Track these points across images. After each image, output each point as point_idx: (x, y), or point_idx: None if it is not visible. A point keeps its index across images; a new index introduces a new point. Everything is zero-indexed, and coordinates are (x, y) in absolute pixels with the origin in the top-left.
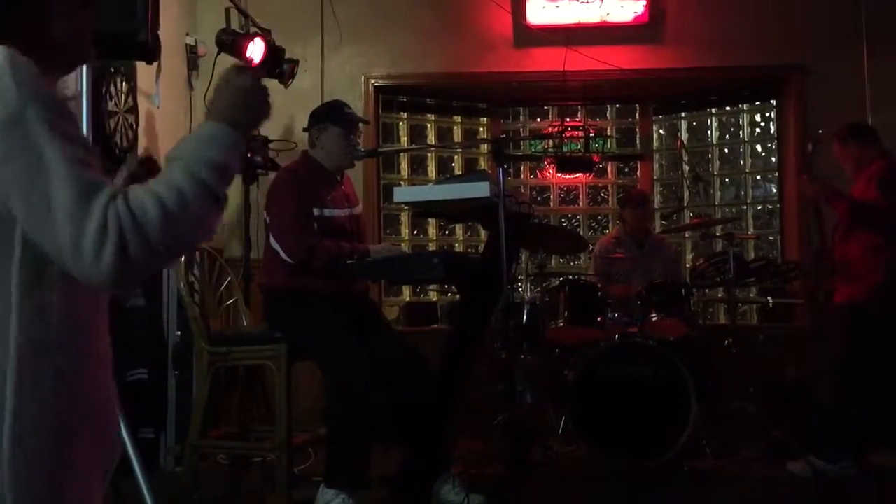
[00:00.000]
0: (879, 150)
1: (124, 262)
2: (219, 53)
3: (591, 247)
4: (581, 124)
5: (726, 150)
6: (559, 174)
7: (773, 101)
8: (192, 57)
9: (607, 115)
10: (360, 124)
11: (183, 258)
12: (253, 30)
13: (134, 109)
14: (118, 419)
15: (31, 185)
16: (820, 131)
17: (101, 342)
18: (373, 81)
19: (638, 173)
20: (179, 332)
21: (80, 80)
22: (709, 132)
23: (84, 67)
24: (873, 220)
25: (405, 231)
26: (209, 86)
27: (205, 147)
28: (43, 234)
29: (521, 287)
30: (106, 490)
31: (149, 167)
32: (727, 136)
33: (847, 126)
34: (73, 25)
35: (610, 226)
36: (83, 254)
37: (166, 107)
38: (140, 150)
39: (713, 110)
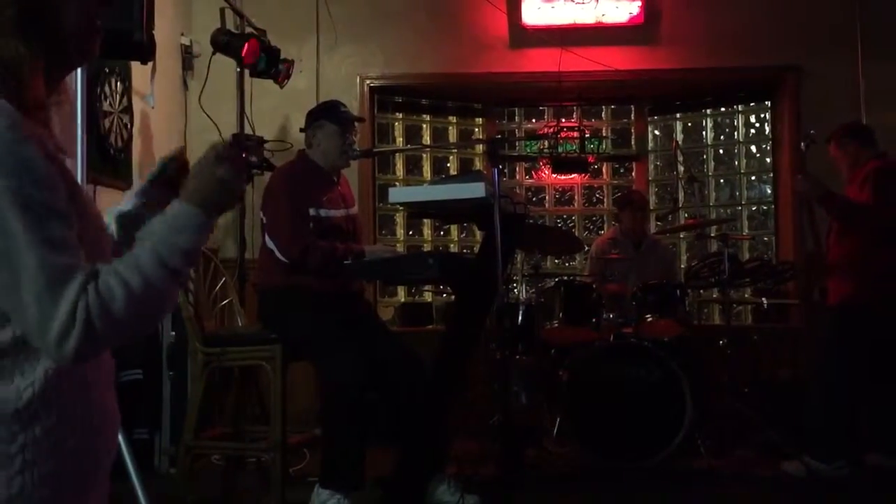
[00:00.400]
0: (875, 151)
1: (87, 346)
2: (214, 53)
3: (586, 247)
4: (576, 125)
5: (721, 151)
6: (554, 175)
7: (768, 102)
8: (188, 57)
9: (602, 115)
10: (356, 123)
11: None
12: (248, 30)
13: (129, 110)
14: (118, 425)
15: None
16: (811, 131)
17: (104, 371)
18: (368, 82)
19: (633, 174)
20: (174, 333)
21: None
22: (704, 133)
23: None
24: (861, 222)
25: (400, 231)
26: (204, 86)
27: (176, 233)
28: (10, 308)
29: (516, 287)
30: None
31: (180, 163)
32: (722, 137)
33: (844, 126)
34: (81, 15)
35: (605, 226)
36: (48, 337)
37: (161, 107)
38: (136, 150)
39: (708, 111)
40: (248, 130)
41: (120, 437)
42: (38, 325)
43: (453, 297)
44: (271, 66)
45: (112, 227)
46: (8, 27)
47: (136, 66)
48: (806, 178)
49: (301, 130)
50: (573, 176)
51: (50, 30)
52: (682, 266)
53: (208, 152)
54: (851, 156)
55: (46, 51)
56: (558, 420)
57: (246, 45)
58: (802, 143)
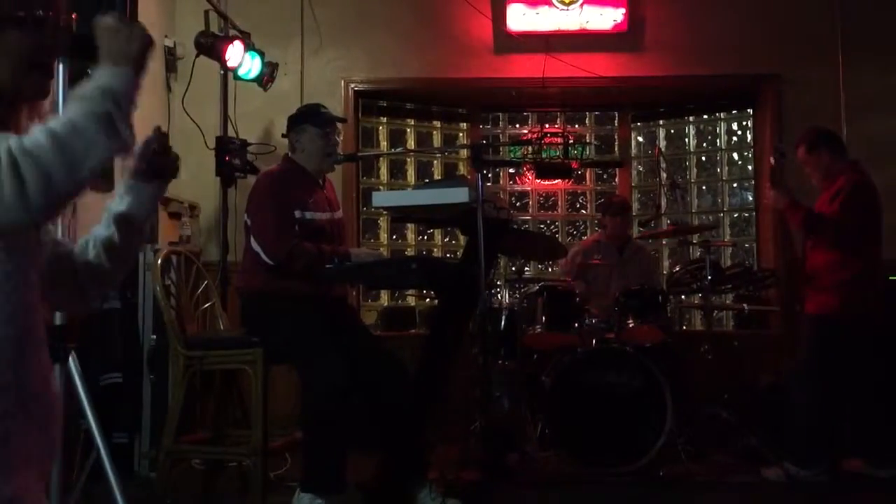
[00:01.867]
0: (847, 161)
1: (24, 194)
2: (197, 56)
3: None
4: (560, 131)
5: (703, 158)
6: (538, 180)
7: (750, 110)
8: (171, 59)
9: (586, 121)
10: (339, 125)
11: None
12: (232, 32)
13: None
14: (60, 414)
15: None
16: (781, 144)
17: (38, 328)
18: (352, 85)
19: (616, 180)
20: (155, 336)
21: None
22: (686, 140)
23: (60, 69)
24: (826, 233)
25: (384, 236)
26: (187, 88)
27: (93, 79)
28: None
29: (498, 292)
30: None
31: (160, 145)
32: (704, 144)
33: (815, 132)
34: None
35: (588, 232)
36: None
37: (144, 109)
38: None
39: (691, 118)
40: (231, 133)
41: (99, 441)
42: None
43: (436, 301)
44: (255, 68)
45: (112, 231)
46: None
47: None
48: (776, 188)
49: (283, 136)
50: (557, 181)
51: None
52: (665, 272)
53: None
54: (824, 164)
55: None
56: (540, 425)
57: (230, 47)
58: (772, 158)
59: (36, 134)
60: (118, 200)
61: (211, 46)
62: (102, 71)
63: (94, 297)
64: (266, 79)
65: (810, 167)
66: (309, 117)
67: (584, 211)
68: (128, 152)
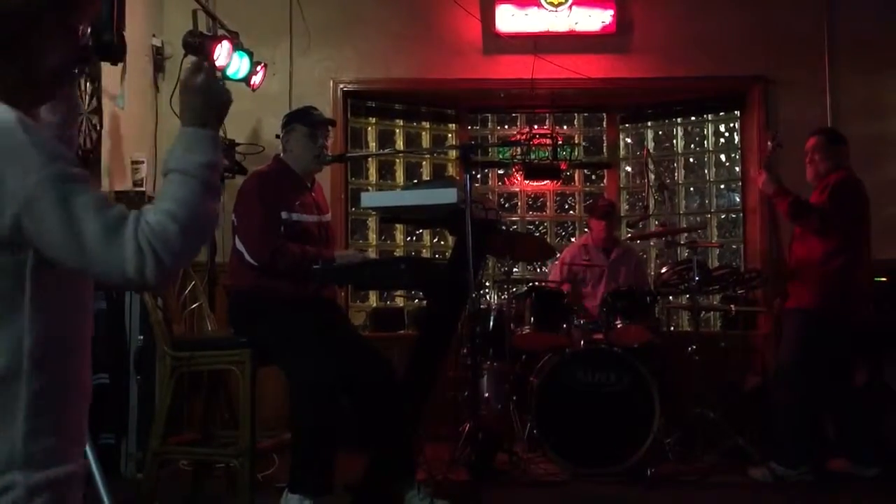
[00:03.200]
0: (842, 162)
1: (162, 273)
2: (185, 55)
3: (557, 254)
4: (549, 132)
5: (691, 160)
6: (527, 181)
7: (737, 112)
8: (159, 58)
9: (575, 123)
10: (329, 127)
11: None
12: (220, 32)
13: (98, 111)
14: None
15: (65, 232)
16: (777, 133)
17: (84, 368)
18: (341, 86)
19: (604, 181)
20: (142, 337)
21: None
22: (674, 141)
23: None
24: (811, 221)
25: (373, 236)
26: (175, 87)
27: (192, 152)
28: (84, 267)
29: (487, 293)
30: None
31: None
32: (692, 146)
33: (833, 129)
34: (55, 60)
35: (577, 233)
36: (129, 276)
37: (131, 108)
38: (105, 152)
39: (678, 120)
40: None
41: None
42: (115, 271)
43: (425, 302)
44: (243, 68)
45: None
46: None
47: (106, 66)
48: (766, 171)
49: (277, 136)
50: (545, 182)
51: (26, 69)
52: (652, 273)
53: (184, 74)
54: (831, 159)
55: (21, 87)
56: (529, 426)
57: (218, 47)
58: (769, 142)
59: (160, 218)
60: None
61: (199, 46)
62: (194, 137)
63: None
64: (254, 79)
65: (822, 155)
66: (298, 119)
67: (572, 212)
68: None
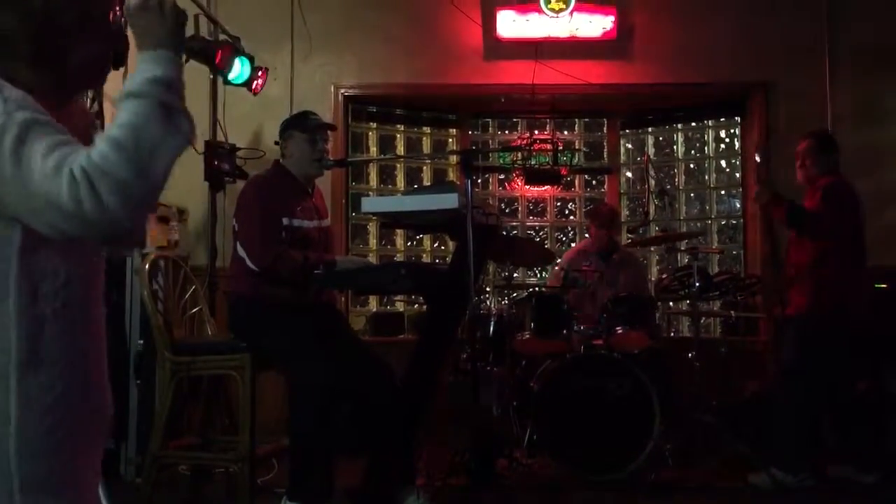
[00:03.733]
0: (833, 168)
1: (100, 204)
2: (187, 61)
3: (558, 259)
4: (549, 137)
5: (692, 165)
6: (527, 186)
7: (738, 118)
8: None
9: (575, 128)
10: (329, 132)
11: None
12: (222, 37)
13: (100, 114)
14: (110, 397)
15: (14, 173)
16: (767, 145)
17: (97, 336)
18: (342, 91)
19: (605, 187)
20: (142, 341)
21: None
22: (675, 147)
23: None
24: (808, 227)
25: (373, 241)
26: None
27: (139, 72)
28: (36, 215)
29: (487, 298)
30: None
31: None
32: (692, 152)
33: (825, 133)
34: (89, 53)
35: (577, 238)
36: (65, 206)
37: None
38: None
39: (679, 126)
40: (220, 138)
41: None
42: (52, 206)
43: (425, 307)
44: (245, 73)
45: None
46: (24, 55)
47: None
48: (759, 183)
49: (276, 143)
50: (546, 188)
51: (60, 63)
52: (652, 279)
53: (125, 8)
54: (824, 164)
55: (55, 80)
56: (529, 431)
57: (220, 52)
58: (757, 155)
59: (100, 146)
60: None
61: (200, 51)
62: (145, 59)
63: None
64: (256, 84)
65: (812, 160)
66: (297, 123)
67: (573, 217)
68: (191, 141)
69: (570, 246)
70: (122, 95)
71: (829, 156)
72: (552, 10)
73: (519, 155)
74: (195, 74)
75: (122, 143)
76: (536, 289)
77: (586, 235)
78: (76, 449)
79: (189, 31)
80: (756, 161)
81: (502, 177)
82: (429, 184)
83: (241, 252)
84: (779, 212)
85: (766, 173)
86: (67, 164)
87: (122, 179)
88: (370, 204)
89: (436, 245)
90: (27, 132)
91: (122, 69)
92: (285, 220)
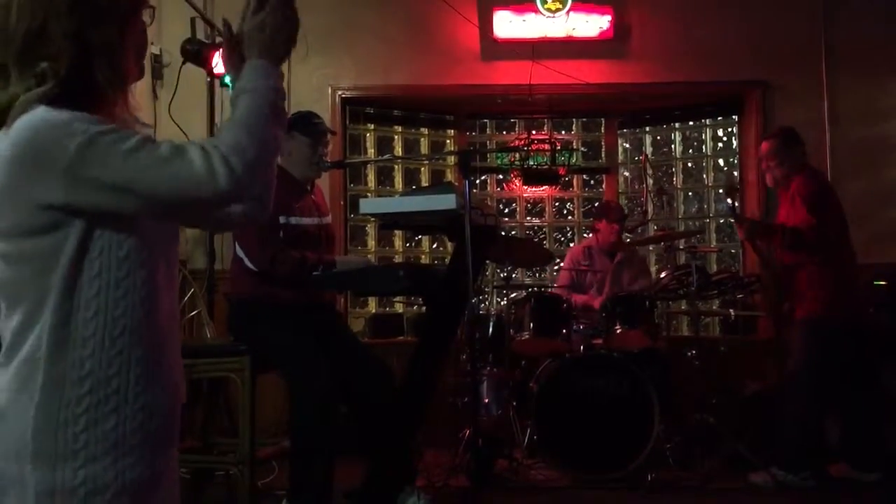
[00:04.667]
0: (804, 163)
1: (233, 175)
2: (184, 63)
3: (556, 259)
4: (547, 137)
5: (689, 165)
6: (525, 186)
7: (735, 117)
8: (157, 66)
9: (573, 128)
10: (329, 135)
11: None
12: (218, 39)
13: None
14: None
15: (125, 166)
16: (735, 181)
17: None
18: (340, 93)
19: (603, 186)
20: None
21: None
22: (672, 146)
23: None
24: (809, 242)
25: (372, 243)
26: (174, 95)
27: (262, 77)
28: (157, 191)
29: (486, 299)
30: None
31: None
32: (690, 151)
33: (791, 130)
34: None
35: (576, 238)
36: (200, 176)
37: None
38: None
39: (677, 125)
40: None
41: None
42: (183, 179)
43: (424, 308)
44: None
45: None
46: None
47: None
48: (742, 225)
49: None
50: (544, 188)
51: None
52: (651, 278)
53: (251, 8)
54: (791, 161)
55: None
56: (528, 431)
57: (216, 54)
58: (729, 200)
59: (229, 131)
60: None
61: (197, 53)
62: (271, 68)
63: None
64: None
65: (777, 161)
66: (300, 126)
67: (571, 217)
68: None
69: (568, 246)
70: (242, 88)
71: (795, 149)
72: (549, 10)
73: (517, 155)
74: (193, 78)
75: (253, 128)
76: (535, 289)
77: (586, 234)
78: (108, 426)
79: (186, 33)
80: (729, 204)
81: (500, 177)
82: (427, 185)
83: (240, 252)
84: (776, 240)
85: (743, 211)
86: (191, 147)
87: (252, 158)
88: (368, 205)
89: (434, 246)
90: (114, 136)
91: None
92: (282, 219)
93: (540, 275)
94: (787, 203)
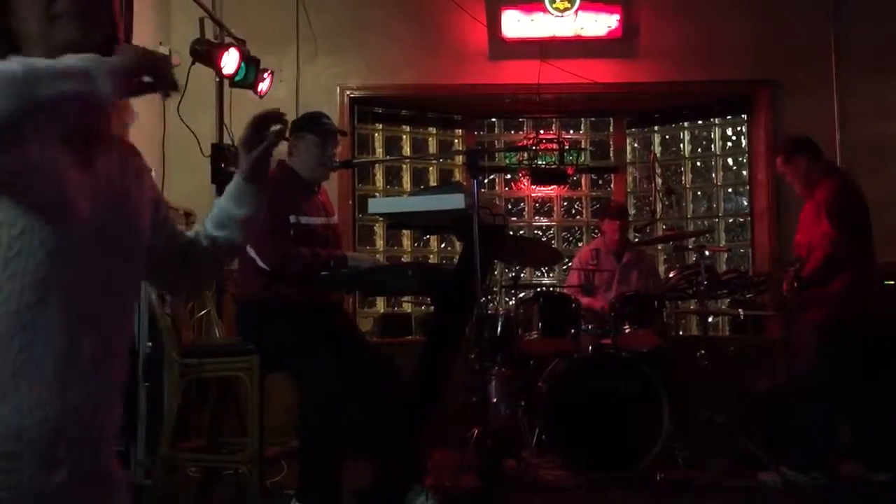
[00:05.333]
0: (825, 167)
1: None
2: (193, 63)
3: (565, 259)
4: (555, 137)
5: (698, 164)
6: (533, 186)
7: (745, 116)
8: None
9: (581, 127)
10: (338, 136)
11: None
12: (227, 39)
13: None
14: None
15: None
16: (794, 266)
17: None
18: (348, 92)
19: (612, 186)
20: (150, 343)
21: None
22: (681, 145)
23: None
24: (842, 263)
25: (380, 242)
26: (182, 95)
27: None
28: None
29: (495, 299)
30: None
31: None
32: (699, 150)
33: (791, 141)
34: None
35: (584, 238)
36: None
37: (138, 117)
38: None
39: (685, 124)
40: (226, 141)
41: None
42: None
43: (432, 308)
44: (250, 75)
45: (234, 233)
46: None
47: None
48: (791, 293)
49: (285, 139)
50: (552, 187)
51: None
52: (660, 277)
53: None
54: (801, 171)
55: None
56: (537, 431)
57: (225, 54)
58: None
59: None
60: (235, 204)
61: (206, 54)
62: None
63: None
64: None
65: (790, 176)
66: (310, 126)
67: (579, 217)
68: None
69: (577, 246)
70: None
71: (804, 159)
72: (557, 9)
73: (525, 155)
74: (201, 78)
75: None
76: (544, 288)
77: (594, 234)
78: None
79: (195, 33)
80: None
81: (508, 177)
82: (435, 184)
83: (252, 252)
84: (817, 286)
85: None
86: None
87: None
88: (377, 205)
89: (443, 246)
90: None
91: None
92: (293, 218)
93: (548, 274)
94: (813, 213)
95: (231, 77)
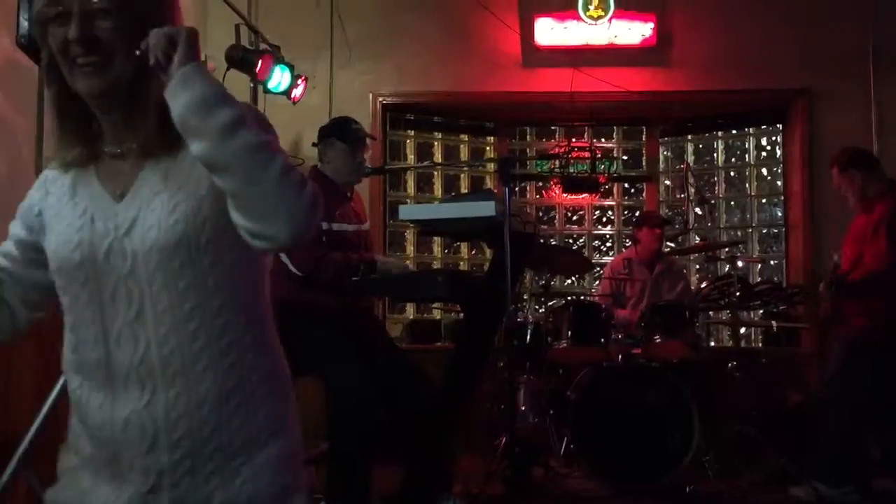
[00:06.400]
0: (884, 181)
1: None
2: (228, 69)
3: (596, 268)
4: (588, 145)
5: (732, 174)
6: (565, 194)
7: (780, 125)
8: None
9: (614, 136)
10: (368, 141)
11: None
12: (262, 46)
13: None
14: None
15: None
16: (836, 258)
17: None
18: (381, 99)
19: (644, 195)
20: None
21: None
22: (715, 155)
23: None
24: (890, 284)
25: (410, 249)
26: None
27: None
28: None
29: (524, 307)
30: None
31: None
32: (733, 160)
33: (847, 153)
34: None
35: (616, 247)
36: None
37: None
38: None
39: (719, 133)
40: None
41: None
42: None
43: (462, 315)
44: (286, 82)
45: None
46: None
47: None
48: (824, 295)
49: (314, 145)
50: (584, 196)
51: None
52: (692, 288)
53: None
54: (857, 185)
55: None
56: (565, 440)
57: (260, 60)
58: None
59: None
60: None
61: (242, 60)
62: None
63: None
64: (295, 92)
65: (844, 187)
66: (340, 132)
67: (610, 226)
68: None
69: (608, 255)
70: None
71: (876, 171)
72: (591, 17)
73: (557, 163)
74: (236, 84)
75: None
76: (574, 297)
77: (626, 244)
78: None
79: (230, 39)
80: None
81: (540, 184)
82: (466, 191)
83: (284, 258)
84: (855, 296)
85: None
86: None
87: None
88: (408, 211)
89: (473, 253)
90: None
91: None
92: (325, 225)
93: (579, 283)
94: (869, 227)
95: (265, 83)
